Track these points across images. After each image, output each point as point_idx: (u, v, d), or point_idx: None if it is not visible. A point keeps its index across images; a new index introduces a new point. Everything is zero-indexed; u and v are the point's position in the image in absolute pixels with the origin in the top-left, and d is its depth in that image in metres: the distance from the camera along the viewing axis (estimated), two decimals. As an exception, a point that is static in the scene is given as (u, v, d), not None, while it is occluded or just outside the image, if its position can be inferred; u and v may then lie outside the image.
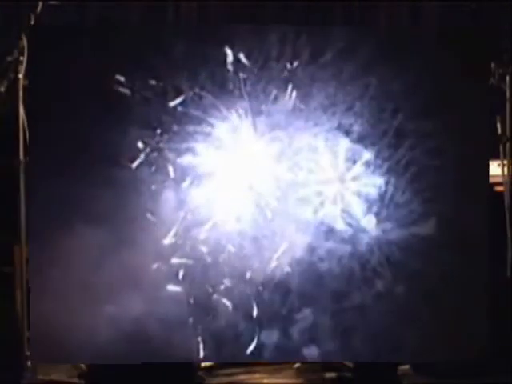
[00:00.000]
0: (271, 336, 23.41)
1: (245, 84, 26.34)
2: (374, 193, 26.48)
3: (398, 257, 24.78)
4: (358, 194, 26.40)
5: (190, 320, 23.75)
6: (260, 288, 25.26)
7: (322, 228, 25.68)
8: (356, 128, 26.50)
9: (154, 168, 25.84)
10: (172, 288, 25.10)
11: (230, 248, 25.33)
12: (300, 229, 25.84)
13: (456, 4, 27.20)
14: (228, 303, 25.19)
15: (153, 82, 25.73)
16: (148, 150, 26.35)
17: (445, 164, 24.37)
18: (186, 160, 26.76)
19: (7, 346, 19.77)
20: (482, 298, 19.56)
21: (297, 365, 20.77)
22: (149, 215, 25.20)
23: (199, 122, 26.51)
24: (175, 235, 26.02)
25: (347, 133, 26.54)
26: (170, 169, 26.80)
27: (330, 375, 20.39)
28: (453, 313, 21.61)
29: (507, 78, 21.90)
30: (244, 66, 26.17)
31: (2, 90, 20.37)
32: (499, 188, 21.94)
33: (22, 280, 19.40)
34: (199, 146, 27.10)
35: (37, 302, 19.26)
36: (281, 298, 24.82)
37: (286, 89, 26.66)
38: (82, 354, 20.24)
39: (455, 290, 21.30)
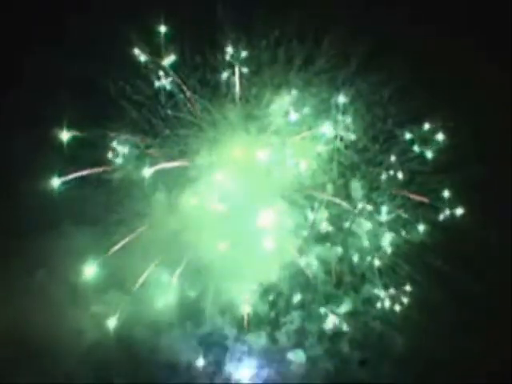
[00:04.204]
0: (259, 340, 23.25)
1: (237, 88, 26.32)
2: (364, 198, 26.52)
3: (388, 262, 24.73)
4: (349, 199, 26.44)
5: (179, 323, 23.44)
6: (250, 291, 25.10)
7: (312, 232, 25.55)
8: (348, 133, 26.55)
9: (145, 171, 25.64)
10: (162, 291, 24.79)
11: (221, 250, 25.15)
12: (290, 232, 25.72)
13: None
14: (216, 306, 24.95)
15: (144, 87, 25.63)
16: (139, 153, 26.18)
17: (435, 169, 24.42)
18: (177, 164, 26.67)
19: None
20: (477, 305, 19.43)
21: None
22: (139, 217, 24.95)
23: (191, 126, 26.43)
24: (166, 236, 25.75)
25: (340, 138, 26.58)
26: (162, 172, 26.52)
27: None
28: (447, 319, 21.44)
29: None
30: (236, 70, 26.13)
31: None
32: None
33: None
34: (191, 149, 26.99)
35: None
36: (270, 301, 24.59)
37: (278, 94, 26.66)
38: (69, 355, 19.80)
39: (449, 295, 21.16)
